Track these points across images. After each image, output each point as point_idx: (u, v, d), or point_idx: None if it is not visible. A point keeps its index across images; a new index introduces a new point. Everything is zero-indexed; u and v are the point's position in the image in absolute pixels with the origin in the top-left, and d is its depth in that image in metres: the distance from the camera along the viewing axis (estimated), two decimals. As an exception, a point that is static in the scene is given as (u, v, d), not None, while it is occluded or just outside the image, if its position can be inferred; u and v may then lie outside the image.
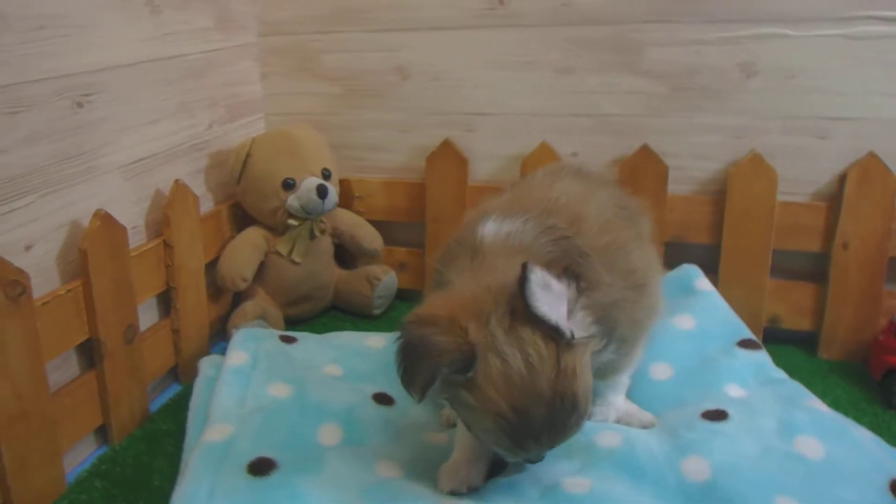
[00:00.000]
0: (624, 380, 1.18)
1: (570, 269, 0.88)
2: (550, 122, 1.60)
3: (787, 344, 1.53)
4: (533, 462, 0.97)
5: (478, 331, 0.84)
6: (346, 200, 1.73)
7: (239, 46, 1.66)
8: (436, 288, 0.99)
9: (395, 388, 1.25)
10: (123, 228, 1.25)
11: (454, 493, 1.01)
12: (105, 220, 1.21)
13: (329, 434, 1.13)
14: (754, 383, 1.19)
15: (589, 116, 1.58)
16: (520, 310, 0.84)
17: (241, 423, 1.12)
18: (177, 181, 1.40)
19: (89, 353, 1.23)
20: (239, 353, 1.32)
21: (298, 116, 1.73)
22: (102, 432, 1.28)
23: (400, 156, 1.71)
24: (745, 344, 1.27)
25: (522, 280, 0.83)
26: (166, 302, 1.43)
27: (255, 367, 1.29)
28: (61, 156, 1.19)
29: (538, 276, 0.83)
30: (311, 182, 1.54)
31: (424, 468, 1.08)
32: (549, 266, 0.88)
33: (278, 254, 1.58)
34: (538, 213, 1.01)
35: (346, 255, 1.76)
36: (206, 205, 1.57)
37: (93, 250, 1.18)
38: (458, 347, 0.83)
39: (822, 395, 1.18)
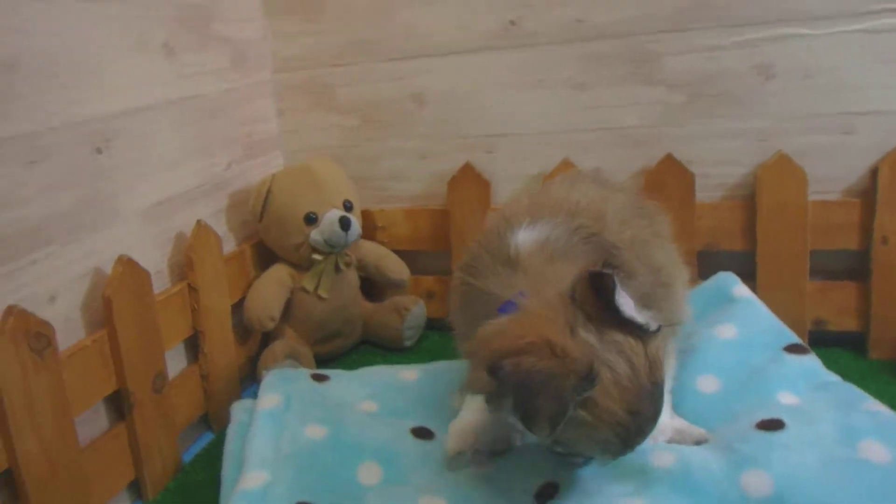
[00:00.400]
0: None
1: (609, 263, 0.89)
2: (571, 139, 1.57)
3: (834, 346, 1.47)
4: None
5: (574, 346, 0.82)
6: (369, 231, 1.70)
7: (254, 84, 1.64)
8: (466, 302, 0.99)
9: (433, 421, 1.22)
10: (147, 273, 1.22)
11: (461, 454, 1.05)
12: (128, 266, 1.18)
13: (369, 473, 1.09)
14: (807, 389, 1.14)
15: (609, 130, 1.54)
16: (594, 315, 0.84)
17: (277, 469, 1.08)
18: (199, 222, 1.37)
19: (118, 405, 1.19)
20: (271, 395, 1.26)
21: (316, 151, 1.71)
22: (136, 487, 1.23)
23: (421, 183, 1.68)
24: (793, 349, 1.22)
25: (597, 287, 0.83)
26: (193, 347, 1.39)
27: (289, 408, 1.24)
28: (82, 203, 1.16)
29: (611, 281, 0.83)
30: (334, 215, 1.50)
31: (469, 500, 1.02)
32: (588, 263, 0.89)
33: (304, 290, 1.55)
34: (564, 215, 1.00)
35: (372, 287, 1.72)
36: (229, 245, 1.54)
37: (117, 297, 1.15)
38: (573, 369, 0.80)
39: (877, 397, 1.13)
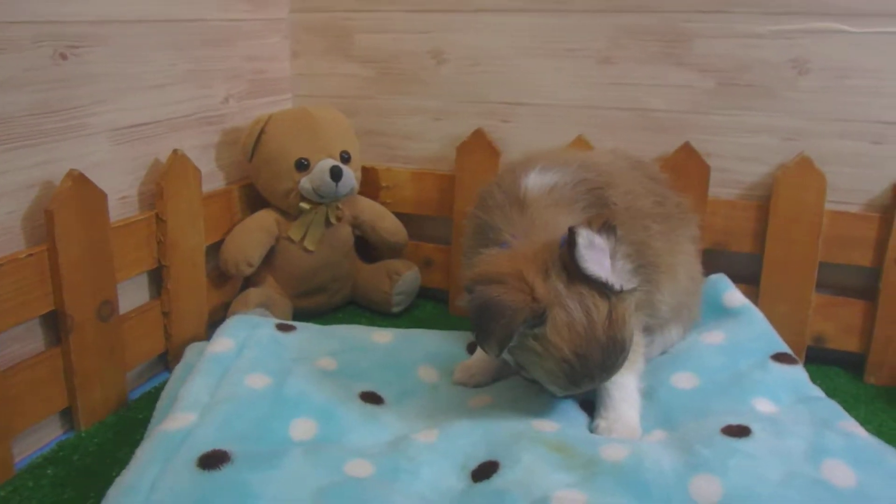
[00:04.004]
0: (631, 382, 1.00)
1: (608, 223, 0.89)
2: (590, 115, 1.38)
3: (831, 365, 1.33)
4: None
5: (543, 286, 0.87)
6: (373, 190, 1.54)
7: (268, 20, 1.49)
8: (475, 233, 1.02)
9: (390, 388, 1.10)
10: (102, 193, 1.08)
11: (460, 384, 1.10)
12: (79, 182, 1.04)
13: (302, 429, 0.97)
14: (787, 399, 1.04)
15: (631, 110, 1.36)
16: (571, 265, 0.87)
17: (206, 413, 0.96)
18: (175, 151, 1.23)
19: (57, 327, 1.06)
20: (224, 339, 1.12)
21: (329, 99, 1.55)
22: (69, 416, 1.10)
23: (432, 145, 1.51)
24: (780, 358, 1.10)
25: (570, 244, 0.86)
26: (159, 282, 1.24)
27: (240, 355, 1.09)
28: (38, 108, 1.03)
29: (584, 238, 0.86)
30: (326, 164, 1.34)
31: (398, 471, 0.88)
32: (588, 218, 0.91)
33: (290, 240, 1.38)
34: (575, 167, 1.03)
35: (370, 248, 1.55)
36: (216, 183, 1.40)
37: (61, 213, 1.01)
38: (531, 305, 0.86)
39: (865, 422, 1.05)
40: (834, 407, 1.00)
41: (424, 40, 1.45)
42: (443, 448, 0.92)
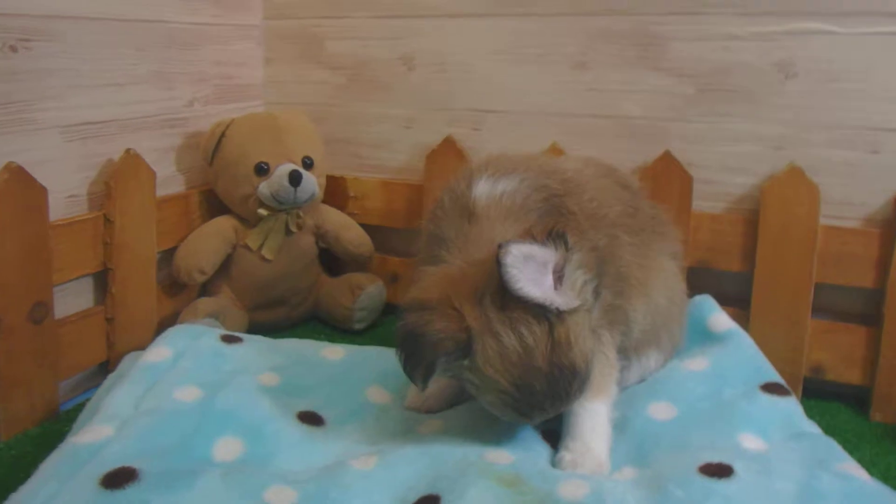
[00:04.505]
0: (602, 410, 0.91)
1: (555, 231, 0.81)
2: (564, 123, 1.32)
3: (831, 399, 1.20)
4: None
5: (472, 312, 0.81)
6: (341, 200, 1.48)
7: (239, 26, 1.46)
8: (426, 245, 0.95)
9: (333, 408, 1.02)
10: (42, 189, 1.03)
11: (412, 409, 1.00)
12: (17, 175, 0.99)
13: (227, 448, 0.89)
14: (777, 436, 0.92)
15: (607, 118, 1.30)
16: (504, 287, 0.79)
17: (124, 426, 0.88)
18: (128, 150, 1.18)
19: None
20: (161, 348, 1.06)
21: (299, 106, 1.51)
22: None
23: (402, 155, 1.46)
24: (771, 388, 0.99)
25: (499, 264, 0.77)
26: (105, 287, 1.18)
27: (175, 366, 1.03)
28: None
29: (514, 256, 0.78)
30: (286, 168, 1.28)
31: (328, 499, 0.79)
32: (529, 227, 0.83)
33: (248, 248, 1.32)
34: (533, 172, 0.94)
35: (335, 261, 1.48)
36: (177, 187, 1.35)
37: None
38: (454, 336, 0.80)
39: (870, 465, 0.95)
40: (832, 445, 0.89)
41: (394, 46, 1.41)
42: (380, 477, 0.83)
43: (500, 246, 0.78)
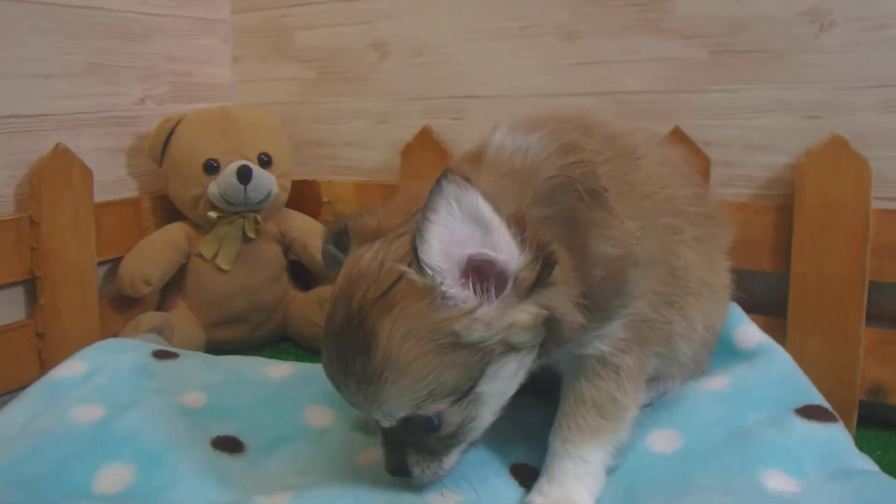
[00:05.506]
0: (596, 457, 0.73)
1: (544, 247, 0.64)
2: (556, 104, 1.16)
3: (894, 429, 1.00)
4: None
5: (377, 220, 0.71)
6: (314, 206, 1.35)
7: (199, 19, 1.36)
8: None
9: (262, 434, 0.87)
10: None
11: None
12: None
13: (111, 478, 0.76)
14: (815, 473, 0.74)
15: (604, 95, 1.14)
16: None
17: (3, 449, 0.78)
18: (57, 145, 1.08)
19: None
20: (75, 362, 0.95)
21: (270, 106, 1.38)
22: None
23: (377, 153, 1.32)
24: (811, 412, 0.80)
25: (433, 189, 0.62)
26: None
27: (86, 382, 0.91)
28: None
29: (457, 195, 0.62)
30: (235, 164, 1.12)
31: None
32: (533, 222, 0.66)
33: (202, 257, 1.17)
34: (569, 128, 0.78)
35: (309, 274, 1.32)
36: (127, 192, 1.23)
37: None
38: (336, 224, 0.77)
39: None
40: (891, 487, 0.72)
41: (365, 31, 1.29)
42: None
43: (448, 170, 0.62)
